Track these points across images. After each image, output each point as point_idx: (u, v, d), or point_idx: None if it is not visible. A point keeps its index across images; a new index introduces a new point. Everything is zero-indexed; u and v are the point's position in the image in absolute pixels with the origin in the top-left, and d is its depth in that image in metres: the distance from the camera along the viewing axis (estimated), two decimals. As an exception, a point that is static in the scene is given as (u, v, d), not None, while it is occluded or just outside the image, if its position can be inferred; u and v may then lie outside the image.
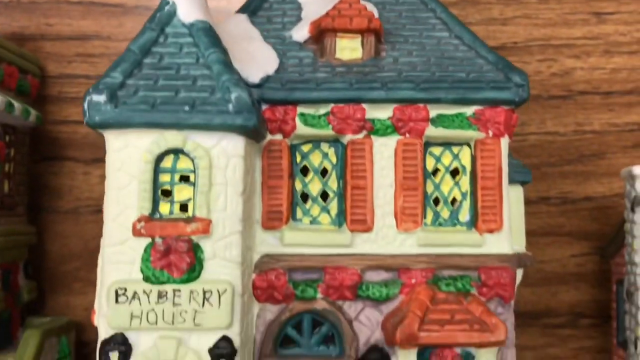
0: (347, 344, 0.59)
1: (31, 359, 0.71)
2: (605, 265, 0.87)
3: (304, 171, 0.63)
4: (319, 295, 0.59)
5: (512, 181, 0.68)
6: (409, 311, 0.57)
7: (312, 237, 0.60)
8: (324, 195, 0.63)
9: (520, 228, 0.69)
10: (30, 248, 0.84)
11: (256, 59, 0.62)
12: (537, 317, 0.88)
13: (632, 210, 0.74)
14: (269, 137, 0.61)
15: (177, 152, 0.56)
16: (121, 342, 0.53)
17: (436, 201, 0.63)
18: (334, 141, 0.62)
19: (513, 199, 0.69)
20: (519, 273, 0.68)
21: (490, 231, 0.61)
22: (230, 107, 0.55)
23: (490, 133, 0.62)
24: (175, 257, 0.54)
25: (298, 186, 0.62)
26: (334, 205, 0.62)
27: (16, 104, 0.75)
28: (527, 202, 0.86)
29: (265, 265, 0.59)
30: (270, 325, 0.59)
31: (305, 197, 0.62)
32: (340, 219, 0.61)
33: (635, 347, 0.73)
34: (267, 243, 0.60)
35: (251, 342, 0.58)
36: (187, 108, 0.55)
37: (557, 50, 0.89)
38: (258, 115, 0.56)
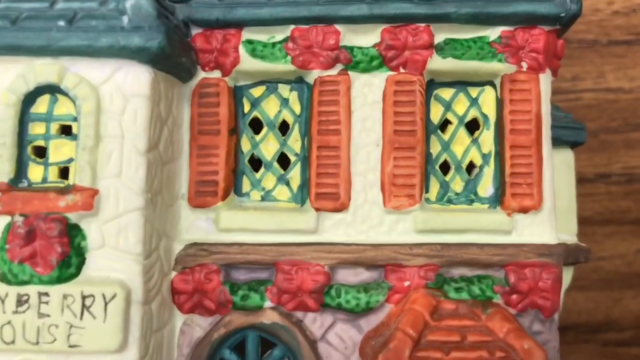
0: (308, 376, 0.41)
1: None
2: (686, 264, 0.67)
3: (255, 126, 0.45)
4: (268, 304, 0.41)
5: (559, 142, 0.49)
6: (398, 329, 0.39)
7: (261, 220, 0.42)
8: (283, 161, 0.45)
9: (571, 209, 0.50)
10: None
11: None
12: (595, 331, 0.70)
13: None
14: (201, 74, 0.43)
15: (52, 90, 0.39)
16: (-38, 371, 0.37)
17: (445, 167, 0.44)
18: (297, 81, 0.44)
19: (560, 166, 0.49)
20: (569, 273, 0.49)
21: (524, 210, 0.42)
22: (125, 20, 0.37)
23: (525, 66, 0.43)
24: (41, 244, 0.37)
25: (246, 147, 0.44)
26: (295, 174, 0.44)
27: None
28: (581, 179, 0.69)
29: (192, 260, 0.42)
30: (198, 346, 0.41)
31: (255, 163, 0.45)
32: (304, 193, 0.43)
33: None
34: (196, 227, 0.42)
35: (168, 370, 0.41)
36: (62, 23, 0.37)
37: (620, -19, 0.69)
38: (170, 34, 0.38)
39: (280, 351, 0.42)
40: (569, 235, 0.48)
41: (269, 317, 0.41)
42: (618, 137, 0.69)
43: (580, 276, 0.73)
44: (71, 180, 0.38)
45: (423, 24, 0.43)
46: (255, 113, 0.45)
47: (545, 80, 0.44)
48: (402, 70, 0.43)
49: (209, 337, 0.42)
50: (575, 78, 0.69)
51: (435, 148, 0.44)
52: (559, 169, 0.51)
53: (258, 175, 0.44)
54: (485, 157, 0.44)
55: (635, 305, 0.69)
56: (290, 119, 0.44)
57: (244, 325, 0.42)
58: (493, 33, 0.43)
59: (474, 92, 0.44)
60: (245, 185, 0.44)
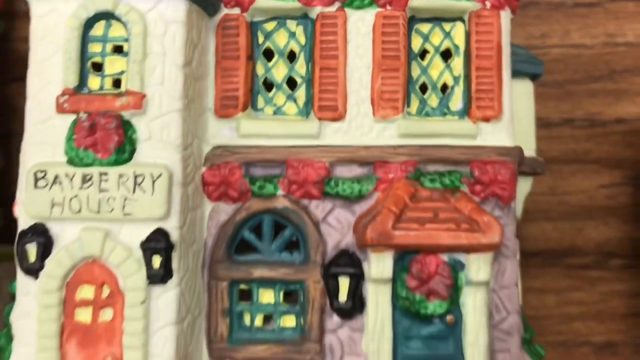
0: (312, 249, 0.50)
1: (-17, 281, 0.65)
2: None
3: (268, 55, 0.54)
4: (280, 192, 0.51)
5: (520, 73, 0.58)
6: (383, 207, 0.48)
7: (274, 127, 0.51)
8: (291, 83, 0.54)
9: (530, 130, 0.59)
10: (-1, 173, 0.78)
11: None
12: (561, 256, 0.79)
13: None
14: (224, 10, 0.52)
15: (108, 16, 0.48)
16: (41, 233, 0.46)
17: (423, 88, 0.54)
18: (302, 17, 0.53)
19: (521, 95, 0.59)
20: (528, 181, 0.58)
21: (487, 119, 0.51)
22: (168, -39, 0.47)
23: (488, 4, 0.52)
24: (101, 134, 0.46)
25: (260, 71, 0.53)
26: (301, 94, 0.53)
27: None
28: (549, 124, 0.79)
29: (218, 158, 0.51)
30: (224, 227, 0.51)
31: (268, 85, 0.54)
32: (308, 108, 0.53)
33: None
34: (221, 134, 0.52)
35: (200, 244, 0.50)
36: (117, -37, 0.47)
37: (583, -51, 0.79)
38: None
39: (290, 231, 0.51)
40: (529, 151, 0.58)
41: (281, 203, 0.51)
42: (581, 88, 0.79)
43: (548, 208, 0.83)
44: (123, 87, 0.48)
45: (406, -29, 0.53)
46: (268, 44, 0.54)
47: (505, 16, 0.52)
48: (388, 7, 0.52)
49: (233, 220, 0.51)
50: (544, 36, 0.79)
51: (415, 72, 0.53)
52: (520, 96, 0.60)
53: (270, 94, 0.54)
54: (456, 79, 0.53)
55: (596, 234, 0.77)
56: (296, 49, 0.54)
57: (261, 210, 0.51)
58: (464, -23, 0.53)
59: (447, 26, 0.53)
60: (260, 102, 0.53)
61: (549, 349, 0.76)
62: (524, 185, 0.57)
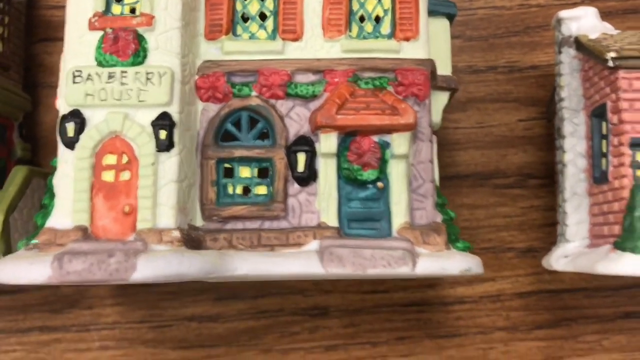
0: (278, 136, 0.67)
1: (16, 190, 0.80)
2: (551, 129, 0.93)
3: (245, -5, 0.72)
4: (254, 93, 0.68)
5: (437, 13, 0.75)
6: (329, 99, 0.65)
7: (249, 46, 0.69)
8: (262, 16, 0.71)
9: (446, 57, 0.76)
10: (25, 115, 0.94)
11: None
12: (488, 177, 0.94)
13: (559, 52, 0.80)
14: (212, -39, 0.70)
15: (126, -41, 0.65)
16: (77, 116, 0.63)
17: (362, 18, 0.71)
18: (271, -34, 0.71)
19: (439, 30, 0.76)
20: (446, 95, 0.75)
21: (407, 39, 0.68)
22: None
23: (408, -46, 0.70)
24: (122, 44, 0.63)
25: (239, 7, 0.70)
26: (270, 23, 0.70)
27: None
28: (477, 71, 0.95)
29: (207, 70, 0.68)
30: (212, 120, 0.67)
31: (245, 18, 0.71)
32: (275, 33, 0.70)
33: (562, 175, 0.79)
34: (210, 52, 0.69)
35: (194, 132, 0.67)
36: None
37: None
38: None
39: (262, 124, 0.68)
40: (446, 72, 0.75)
41: (255, 101, 0.68)
42: (502, 41, 0.96)
43: (477, 139, 0.99)
44: (138, 12, 0.65)
45: None
46: (245, -14, 0.72)
47: (422, -36, 0.71)
48: (334, -42, 0.70)
49: (218, 115, 0.67)
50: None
51: (355, 6, 0.70)
52: (438, 31, 0.77)
53: (247, 24, 0.71)
54: (385, 11, 0.70)
55: (516, 159, 0.93)
56: (267, -9, 0.72)
57: (239, 107, 0.68)
58: None
59: (379, -27, 0.72)
60: (239, 30, 0.70)
61: (480, 254, 0.92)
62: (442, 98, 0.74)
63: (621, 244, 0.66)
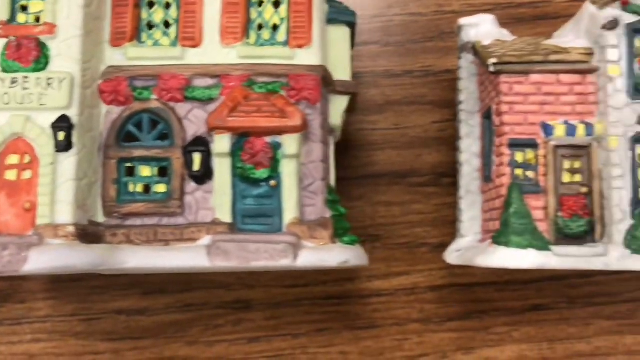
0: (176, 137, 0.71)
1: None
2: (464, 131, 0.97)
3: (151, 5, 0.76)
4: (154, 97, 0.72)
5: (336, 21, 0.80)
6: (224, 102, 0.69)
7: (151, 52, 0.73)
8: (167, 24, 0.75)
9: (346, 63, 0.80)
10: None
11: None
12: (404, 176, 0.98)
13: (460, 57, 0.85)
14: (117, -23, 0.74)
15: (32, -28, 0.69)
16: (-19, 119, 0.67)
17: (261, 26, 0.75)
18: (174, -22, 0.76)
19: (339, 37, 0.80)
20: (345, 99, 0.79)
21: (300, 46, 0.73)
22: None
23: (302, -32, 0.74)
24: (25, 51, 0.67)
25: (144, 16, 0.75)
26: (173, 31, 0.74)
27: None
28: (394, 75, 1.00)
29: (110, 75, 0.72)
30: (115, 122, 0.71)
31: (151, 26, 0.75)
32: (177, 40, 0.74)
33: (459, 174, 0.84)
34: (114, 58, 0.73)
35: (97, 133, 0.71)
36: None
37: (418, -59, 1.01)
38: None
39: (162, 125, 0.72)
40: (345, 77, 0.79)
41: (155, 104, 0.72)
42: (418, 46, 1.00)
43: (393, 140, 1.03)
44: (42, 21, 0.69)
45: (244, -56, 0.74)
46: (149, -2, 0.76)
47: (315, -23, 0.75)
48: (233, -29, 0.74)
49: (121, 117, 0.71)
50: (389, 7, 1.00)
51: (254, 15, 0.75)
52: (338, 39, 0.80)
53: (151, 32, 0.75)
54: (282, 20, 0.74)
55: (430, 159, 0.97)
56: (171, 1, 0.75)
57: (140, 110, 0.72)
58: (282, -51, 0.75)
59: (276, -15, 0.76)
60: (144, 37, 0.74)
61: (396, 249, 0.98)
62: (341, 102, 0.78)
63: (497, 239, 0.71)
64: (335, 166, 0.96)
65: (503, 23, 0.98)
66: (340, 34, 0.80)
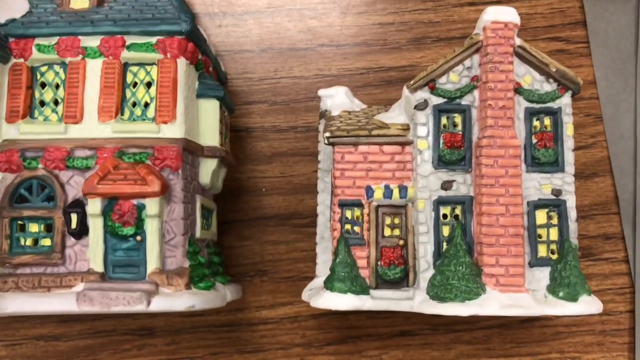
0: (59, 199, 0.85)
1: None
2: (341, 178, 1.11)
3: (43, 85, 0.89)
4: (41, 166, 0.85)
5: (209, 95, 0.93)
6: (95, 171, 0.83)
7: (39, 128, 0.87)
8: (56, 103, 0.89)
9: (215, 131, 0.93)
10: None
11: (11, 8, 0.89)
12: (288, 218, 1.11)
13: (319, 122, 0.98)
14: (13, 60, 0.88)
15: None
16: None
17: (135, 104, 0.89)
18: (61, 64, 0.89)
19: (209, 109, 0.94)
20: (213, 162, 0.93)
21: (165, 122, 0.86)
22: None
23: (169, 55, 0.88)
24: None
25: (37, 95, 0.89)
26: (60, 108, 0.88)
27: None
28: (280, 130, 1.13)
29: (5, 147, 0.86)
30: (8, 187, 0.85)
31: (43, 103, 0.89)
32: (62, 117, 0.87)
33: (316, 222, 0.97)
34: (9, 133, 0.86)
35: (-8, 198, 0.85)
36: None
37: (300, 13, 1.14)
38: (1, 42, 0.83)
39: (48, 189, 0.85)
40: (214, 143, 0.92)
41: (42, 172, 0.85)
42: (301, 105, 1.12)
43: (280, 186, 1.16)
44: (-56, 106, 0.83)
45: (119, 35, 0.87)
46: (42, 79, 0.89)
47: (180, 62, 0.87)
48: (110, 58, 0.87)
49: (13, 183, 0.85)
50: (276, 70, 1.13)
51: (128, 94, 0.88)
52: (208, 111, 0.94)
53: (42, 109, 0.88)
54: (152, 99, 0.87)
55: (312, 203, 1.08)
56: (59, 82, 0.88)
57: (30, 177, 0.85)
58: (153, 39, 0.88)
59: (148, 68, 0.88)
60: (36, 114, 0.88)
61: (281, 282, 1.11)
62: (210, 164, 0.92)
63: (325, 283, 0.84)
64: (228, 210, 1.10)
65: (375, 85, 1.12)
66: (209, 107, 0.93)
